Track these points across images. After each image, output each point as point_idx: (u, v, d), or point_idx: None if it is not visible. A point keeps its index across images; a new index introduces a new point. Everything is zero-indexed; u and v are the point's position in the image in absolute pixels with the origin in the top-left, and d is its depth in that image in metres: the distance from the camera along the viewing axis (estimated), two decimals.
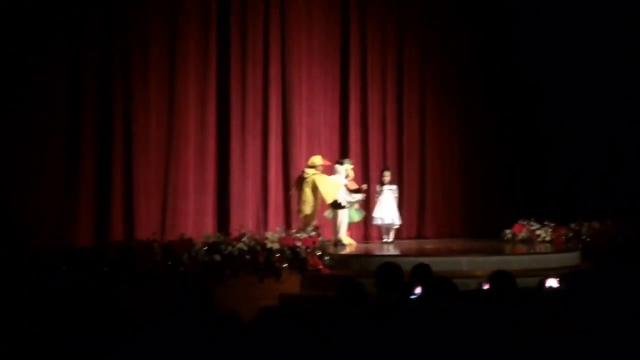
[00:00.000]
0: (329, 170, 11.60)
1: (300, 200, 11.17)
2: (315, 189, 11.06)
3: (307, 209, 11.00)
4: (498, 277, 5.52)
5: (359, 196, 11.56)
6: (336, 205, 11.26)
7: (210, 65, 11.92)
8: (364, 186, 11.84)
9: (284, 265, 9.02)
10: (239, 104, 12.19)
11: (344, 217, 11.44)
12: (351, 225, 11.92)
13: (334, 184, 11.26)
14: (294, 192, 11.61)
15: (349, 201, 11.39)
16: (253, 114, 12.32)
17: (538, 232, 12.24)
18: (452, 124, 14.63)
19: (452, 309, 4.37)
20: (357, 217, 11.76)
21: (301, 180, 11.23)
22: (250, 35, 12.32)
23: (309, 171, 11.13)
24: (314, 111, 12.97)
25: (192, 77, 11.75)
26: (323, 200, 11.20)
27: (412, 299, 5.14)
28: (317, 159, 11.26)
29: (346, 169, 11.63)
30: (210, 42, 11.94)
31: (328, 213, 11.49)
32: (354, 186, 11.64)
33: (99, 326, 4.44)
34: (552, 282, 5.54)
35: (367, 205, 12.89)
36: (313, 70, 13.01)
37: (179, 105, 11.60)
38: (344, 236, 11.46)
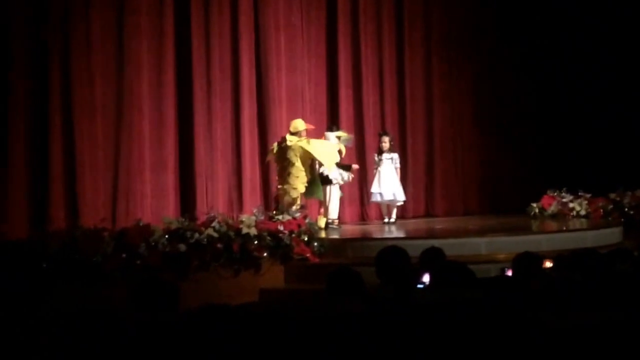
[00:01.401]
0: (314, 136, 11.54)
1: (286, 175, 10.97)
2: (305, 159, 10.94)
3: (299, 184, 10.87)
4: (524, 261, 5.50)
5: (347, 175, 11.48)
6: (324, 180, 11.19)
7: (166, 12, 11.82)
8: (355, 166, 11.78)
9: (264, 254, 8.99)
10: (202, 59, 12.10)
11: (335, 194, 11.39)
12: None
13: (331, 146, 11.15)
14: (270, 159, 11.48)
15: (339, 177, 11.31)
16: (220, 72, 12.25)
17: (571, 204, 12.27)
18: (464, 77, 14.61)
19: (468, 300, 4.33)
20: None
21: (283, 149, 11.03)
22: None
23: (292, 138, 10.99)
24: (296, 66, 12.90)
25: (145, 28, 11.64)
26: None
27: (419, 289, 5.12)
28: (300, 123, 11.17)
29: (343, 140, 11.55)
30: None
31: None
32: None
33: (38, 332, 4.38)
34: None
35: (364, 178, 12.90)
36: (293, 15, 12.93)
37: (129, 64, 11.49)
38: (335, 216, 11.42)
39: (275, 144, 11.28)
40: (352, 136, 12.11)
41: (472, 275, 4.79)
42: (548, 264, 5.57)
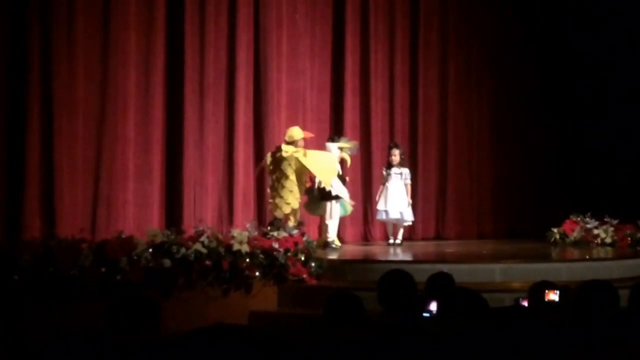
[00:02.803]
0: (315, 147, 11.61)
1: (279, 188, 11.02)
2: (301, 172, 10.99)
3: (292, 199, 10.90)
4: (541, 291, 5.56)
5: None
6: (326, 195, 11.26)
7: (157, 4, 11.87)
8: (346, 178, 11.82)
9: (256, 274, 9.04)
10: (195, 57, 12.16)
11: (336, 211, 11.46)
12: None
13: (330, 159, 11.23)
14: (262, 170, 11.49)
15: (345, 192, 11.40)
16: (215, 72, 12.31)
17: (596, 231, 12.30)
18: (483, 87, 14.66)
19: (479, 331, 4.39)
20: (342, 211, 11.76)
21: (278, 160, 11.06)
22: None
23: (288, 148, 11.03)
24: (298, 68, 12.98)
25: (134, 21, 11.70)
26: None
27: (425, 318, 5.17)
28: (296, 132, 11.18)
29: (346, 149, 11.64)
30: None
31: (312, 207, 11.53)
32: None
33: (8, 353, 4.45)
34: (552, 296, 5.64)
35: (368, 195, 12.95)
36: (297, 12, 13.00)
37: (115, 59, 11.54)
38: (335, 236, 11.50)
39: (269, 154, 11.26)
40: (356, 142, 12.19)
41: (484, 304, 4.83)
42: (552, 296, 5.59)
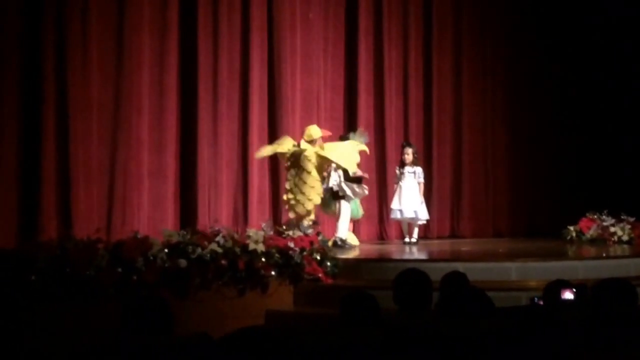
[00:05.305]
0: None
1: (300, 185, 10.99)
2: (321, 167, 11.00)
3: (314, 195, 10.91)
4: (556, 290, 5.58)
5: (359, 188, 11.54)
6: (334, 195, 11.29)
7: (170, 5, 11.94)
8: (366, 175, 11.84)
9: (272, 273, 9.07)
10: (209, 57, 12.23)
11: (348, 210, 11.48)
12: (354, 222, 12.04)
13: (349, 147, 11.25)
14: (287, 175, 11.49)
15: (353, 191, 11.42)
16: (228, 72, 12.37)
17: (613, 229, 12.29)
18: (498, 87, 14.65)
19: (493, 331, 4.41)
20: (356, 213, 11.77)
21: (297, 157, 11.05)
22: None
23: (308, 147, 11.03)
24: (311, 68, 13.02)
25: (147, 22, 11.77)
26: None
27: (439, 317, 5.19)
28: (315, 130, 11.19)
29: (359, 138, 11.68)
30: None
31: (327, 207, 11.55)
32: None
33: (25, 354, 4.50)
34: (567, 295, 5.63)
35: (383, 194, 12.97)
36: (310, 11, 13.04)
37: (129, 60, 11.62)
38: (348, 233, 11.52)
39: (289, 152, 11.14)
40: (361, 129, 12.14)
41: (489, 302, 4.83)
42: (568, 295, 5.59)
